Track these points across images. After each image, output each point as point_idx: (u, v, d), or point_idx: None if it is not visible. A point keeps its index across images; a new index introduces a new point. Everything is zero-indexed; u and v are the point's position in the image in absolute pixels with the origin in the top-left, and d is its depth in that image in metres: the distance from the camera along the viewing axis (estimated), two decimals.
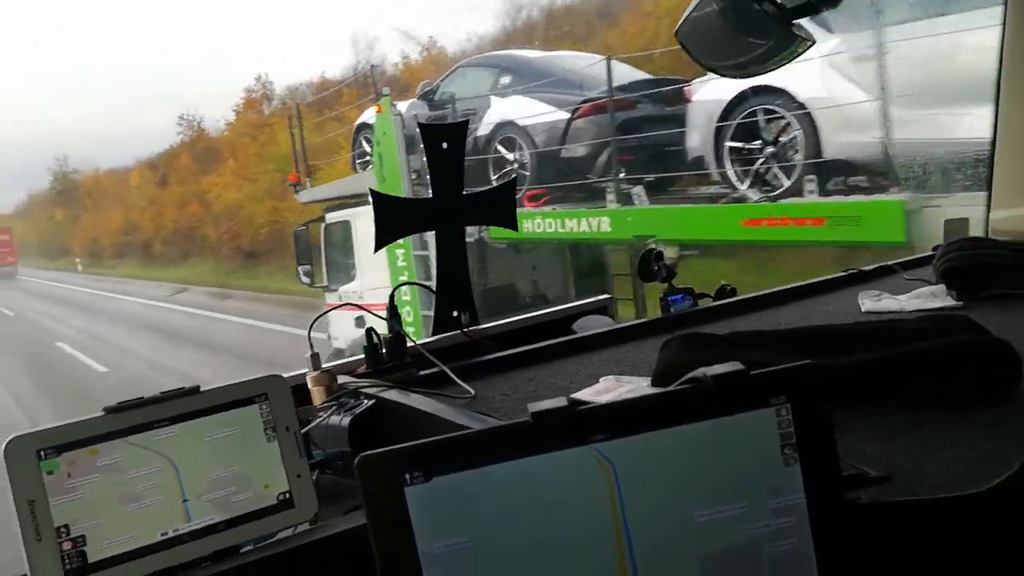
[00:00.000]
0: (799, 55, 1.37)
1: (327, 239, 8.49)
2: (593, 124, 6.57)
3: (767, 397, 0.58)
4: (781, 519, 0.59)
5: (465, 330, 1.40)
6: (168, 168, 38.46)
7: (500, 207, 1.43)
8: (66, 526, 0.76)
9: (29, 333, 16.98)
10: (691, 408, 0.58)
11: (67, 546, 0.76)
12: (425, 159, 1.31)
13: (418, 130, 1.40)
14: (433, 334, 1.43)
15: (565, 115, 6.67)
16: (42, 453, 0.77)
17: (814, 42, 1.37)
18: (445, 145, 1.31)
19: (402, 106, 7.91)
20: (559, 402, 0.57)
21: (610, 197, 6.41)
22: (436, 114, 7.75)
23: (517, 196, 6.52)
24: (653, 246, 1.90)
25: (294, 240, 8.39)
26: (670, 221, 6.01)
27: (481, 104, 7.52)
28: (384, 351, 1.26)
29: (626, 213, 6.25)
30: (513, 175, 6.77)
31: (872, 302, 1.55)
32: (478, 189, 1.41)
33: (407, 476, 0.58)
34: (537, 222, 6.80)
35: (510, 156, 7.05)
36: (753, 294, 1.80)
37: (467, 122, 1.36)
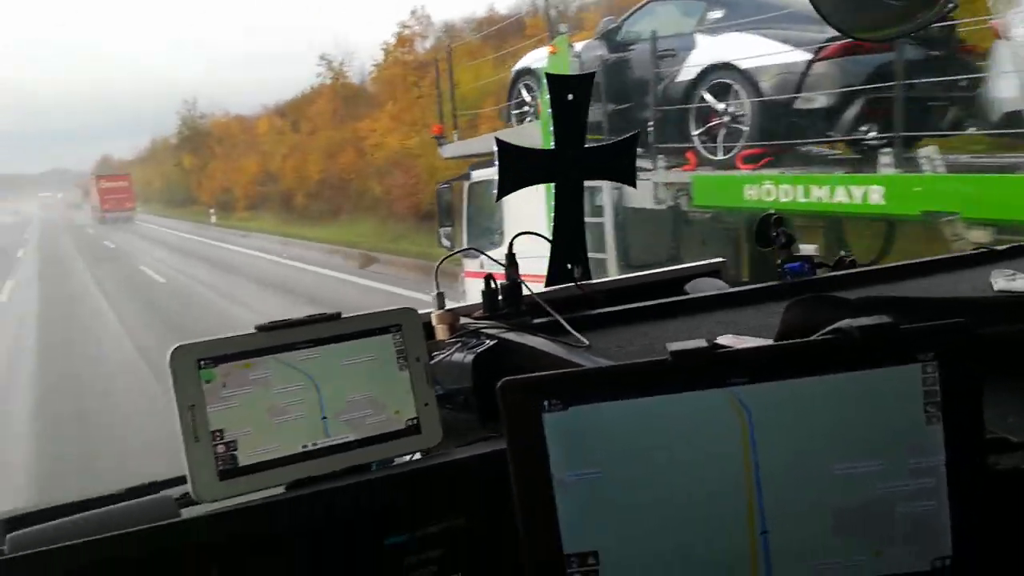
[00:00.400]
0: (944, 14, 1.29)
1: (470, 199, 7.43)
2: (840, 68, 5.20)
3: (914, 353, 0.57)
4: (919, 480, 0.59)
5: (578, 283, 1.42)
6: (299, 115, 34.67)
7: (620, 162, 1.43)
8: (220, 431, 0.83)
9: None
10: (834, 358, 0.58)
11: (221, 449, 0.83)
12: (550, 110, 1.32)
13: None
14: (546, 286, 1.45)
15: (803, 56, 5.30)
16: (201, 363, 0.84)
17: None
18: (571, 96, 1.32)
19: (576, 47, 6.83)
20: (699, 343, 0.58)
21: (885, 160, 4.93)
22: (618, 56, 6.75)
23: (730, 154, 5.68)
24: (772, 211, 1.85)
25: (436, 199, 7.50)
26: (983, 194, 4.36)
27: (681, 44, 6.23)
28: (500, 298, 1.29)
29: (911, 181, 4.72)
30: (724, 126, 5.74)
31: (1005, 281, 1.46)
32: (599, 143, 1.41)
33: (546, 403, 0.60)
34: (766, 188, 5.29)
35: (720, 106, 5.76)
36: (875, 266, 1.74)
37: (593, 74, 1.36)
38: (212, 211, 37.58)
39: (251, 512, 0.76)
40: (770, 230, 1.84)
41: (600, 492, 0.61)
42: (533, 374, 0.61)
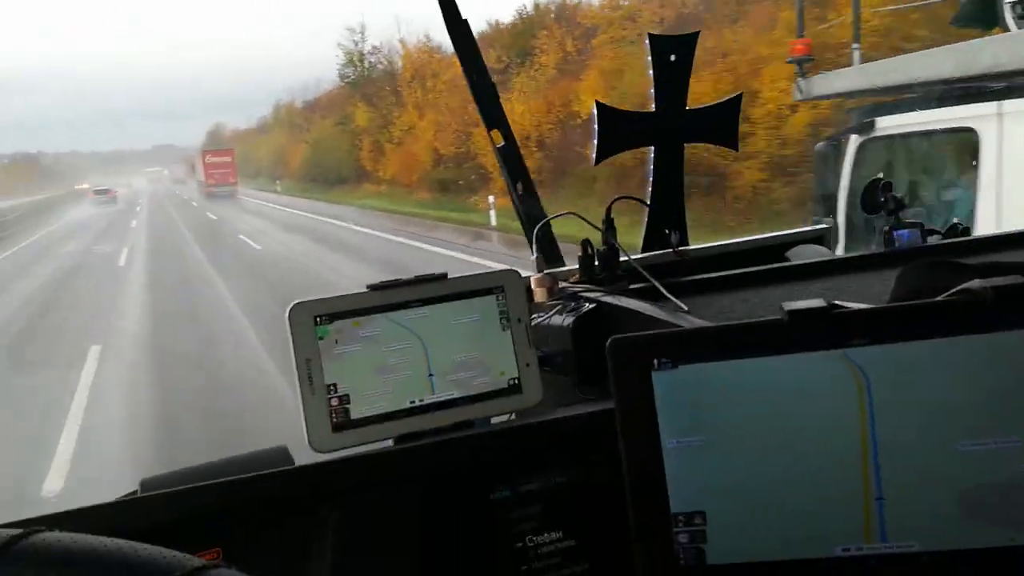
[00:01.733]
0: None
1: (861, 160, 4.35)
2: None
3: None
4: None
5: (676, 248, 1.40)
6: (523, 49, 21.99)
7: (723, 125, 1.39)
8: (334, 384, 0.87)
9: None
10: (964, 320, 0.55)
11: (334, 402, 0.87)
12: (651, 71, 1.29)
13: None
14: (642, 251, 1.44)
15: None
16: (318, 319, 0.88)
17: None
18: (673, 57, 1.29)
19: None
20: (818, 302, 0.57)
21: None
22: None
23: None
24: (880, 175, 1.77)
25: (815, 162, 5.06)
26: None
27: None
28: (597, 263, 1.29)
29: None
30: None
31: None
32: (702, 105, 1.38)
33: (656, 361, 0.61)
34: None
35: None
36: (990, 234, 1.64)
37: (698, 33, 1.32)
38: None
39: (366, 460, 0.80)
40: (878, 195, 1.76)
41: (709, 452, 0.61)
42: (643, 333, 0.61)
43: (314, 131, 42.00)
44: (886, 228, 1.68)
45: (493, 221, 16.44)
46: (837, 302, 0.58)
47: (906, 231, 1.67)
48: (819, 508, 0.59)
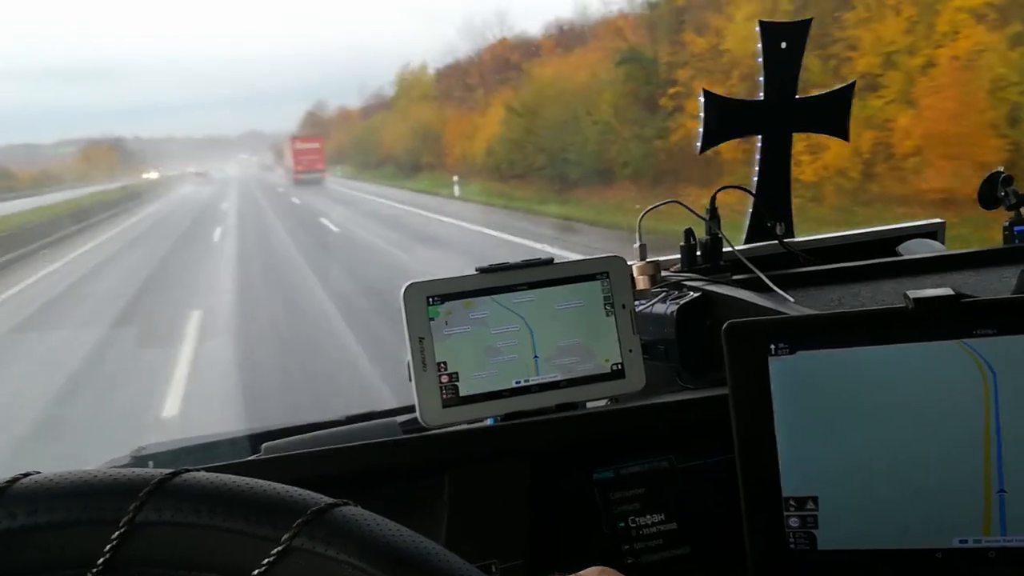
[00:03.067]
0: None
1: None
2: None
3: None
4: None
5: (782, 240, 1.37)
6: None
7: (833, 114, 1.35)
8: (444, 362, 0.91)
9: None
10: None
11: (444, 379, 0.91)
12: (760, 59, 1.27)
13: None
14: (746, 242, 1.42)
15: None
16: (430, 299, 0.92)
17: None
18: (784, 45, 1.27)
19: None
20: (944, 291, 0.56)
21: None
22: None
23: None
24: (1001, 169, 1.69)
25: None
26: None
27: None
28: (699, 253, 1.29)
29: None
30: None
31: None
32: (813, 94, 1.34)
33: (772, 347, 0.61)
34: None
35: None
36: None
37: (809, 21, 1.29)
38: None
39: (476, 433, 0.84)
40: (997, 190, 1.68)
41: (824, 438, 0.61)
42: (761, 318, 0.61)
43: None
44: (1006, 223, 1.59)
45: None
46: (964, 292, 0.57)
47: None
48: (937, 499, 0.58)
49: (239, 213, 23.53)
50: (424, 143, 32.56)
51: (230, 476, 0.43)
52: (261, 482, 0.43)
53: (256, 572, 0.39)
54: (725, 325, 0.62)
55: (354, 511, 0.42)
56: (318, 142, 46.75)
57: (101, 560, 0.39)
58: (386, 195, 25.69)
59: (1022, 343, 0.56)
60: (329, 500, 0.42)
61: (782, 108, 1.31)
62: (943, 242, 1.61)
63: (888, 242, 1.53)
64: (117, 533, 0.39)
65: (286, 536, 0.39)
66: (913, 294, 0.57)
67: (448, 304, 0.92)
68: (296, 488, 0.43)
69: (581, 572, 0.38)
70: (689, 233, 1.27)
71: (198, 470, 0.44)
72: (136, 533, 0.39)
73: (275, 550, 0.39)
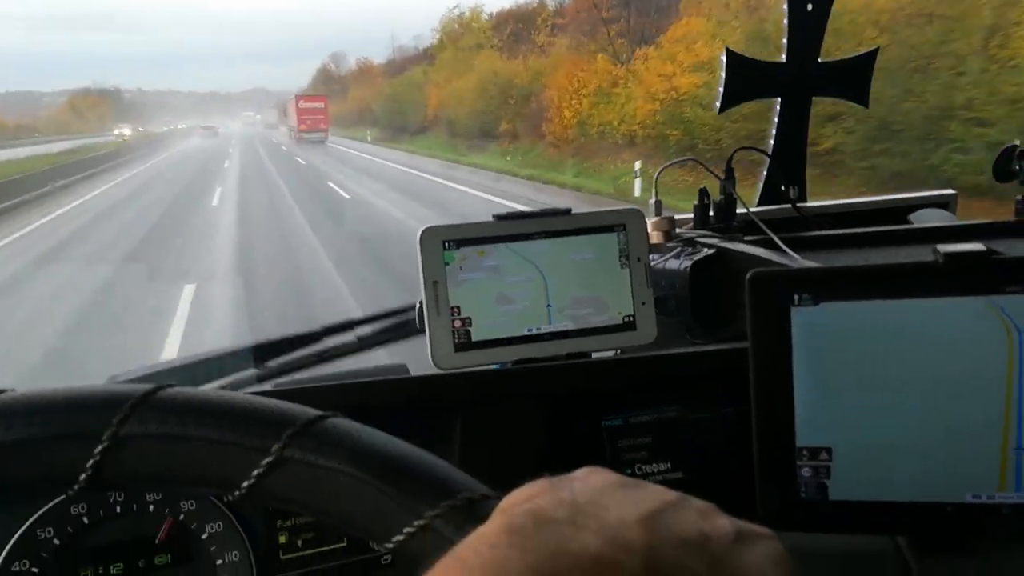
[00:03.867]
0: None
1: None
2: None
3: None
4: None
5: (795, 203, 1.37)
6: None
7: (855, 80, 1.34)
8: (457, 307, 0.91)
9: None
10: None
11: (457, 324, 0.91)
12: (786, 20, 1.25)
13: None
14: (759, 204, 1.42)
15: None
16: (445, 244, 0.91)
17: None
18: (810, 6, 1.25)
19: None
20: (976, 245, 0.56)
21: None
22: None
23: None
24: (1016, 142, 1.68)
25: None
26: None
27: None
28: (712, 213, 1.28)
29: None
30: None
31: None
32: (835, 58, 1.33)
33: (796, 297, 0.61)
34: None
35: None
36: None
37: None
38: None
39: (488, 376, 0.84)
40: (1012, 162, 1.67)
41: (842, 390, 0.61)
42: (785, 268, 0.61)
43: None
44: (1019, 197, 1.59)
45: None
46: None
47: None
48: (953, 453, 0.59)
49: (242, 173, 23.19)
50: (503, 104, 23.54)
51: (217, 391, 0.43)
52: (250, 396, 0.43)
53: (247, 483, 0.39)
54: (750, 274, 0.62)
55: (344, 422, 0.42)
56: (322, 101, 45.81)
57: (83, 476, 0.39)
58: (458, 180, 17.55)
59: None
60: (318, 412, 0.42)
61: (803, 72, 1.29)
62: (955, 213, 1.60)
63: (900, 211, 1.52)
64: (100, 447, 0.38)
65: (276, 446, 0.39)
66: (943, 248, 0.57)
67: (463, 249, 0.92)
68: (285, 402, 0.43)
69: (572, 472, 0.38)
70: (703, 193, 1.26)
71: (181, 386, 0.43)
72: (120, 446, 0.39)
73: (266, 460, 0.39)
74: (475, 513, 0.39)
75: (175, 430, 0.40)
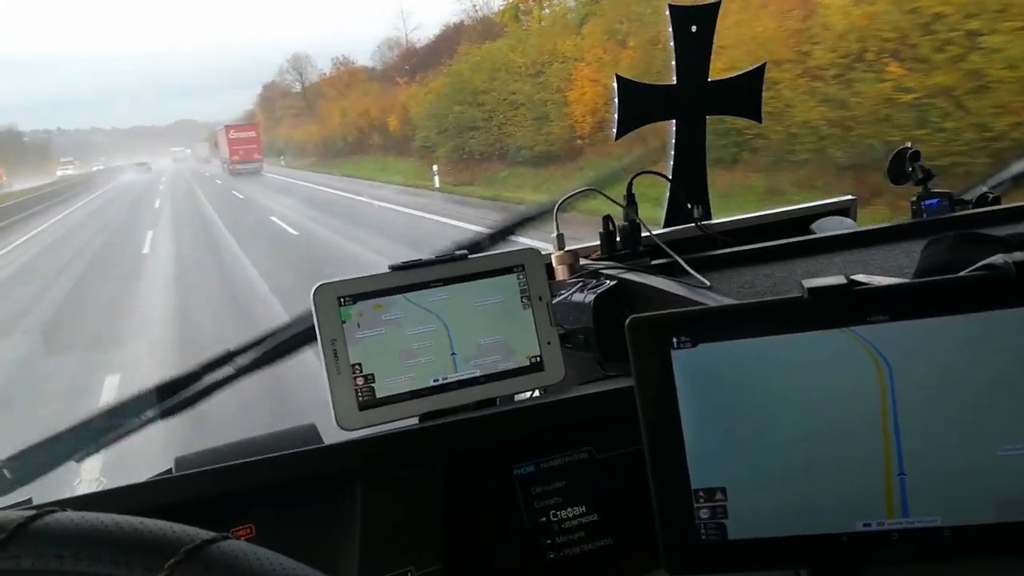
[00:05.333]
0: None
1: None
2: None
3: None
4: None
5: (698, 223, 1.39)
6: None
7: (745, 97, 1.37)
8: (359, 364, 0.89)
9: None
10: (984, 295, 0.55)
11: (360, 382, 0.89)
12: (672, 43, 1.27)
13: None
14: (664, 226, 1.43)
15: None
16: (341, 300, 0.89)
17: None
18: (695, 28, 1.27)
19: None
20: (838, 279, 0.57)
21: None
22: None
23: None
24: (909, 145, 1.74)
25: None
26: None
27: None
28: (619, 239, 1.29)
29: None
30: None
31: None
32: (723, 77, 1.36)
33: (675, 340, 0.61)
34: None
35: None
36: (1022, 203, 1.60)
37: (719, 3, 1.30)
38: None
39: (392, 438, 0.82)
40: (905, 164, 1.73)
41: (729, 429, 0.61)
42: (662, 311, 0.61)
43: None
44: (914, 198, 1.65)
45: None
46: (857, 278, 0.58)
47: (935, 201, 1.64)
48: (840, 483, 0.59)
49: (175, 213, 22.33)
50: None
51: (98, 515, 0.40)
52: (132, 519, 0.40)
53: None
54: (627, 321, 0.61)
55: (232, 545, 0.40)
56: (253, 130, 44.31)
57: None
58: None
59: (914, 327, 0.57)
60: (205, 536, 0.40)
61: (694, 92, 1.31)
62: (855, 219, 1.65)
63: (803, 220, 1.56)
64: None
65: None
66: (808, 283, 0.57)
67: (360, 304, 0.90)
68: (171, 524, 0.41)
69: None
70: (608, 220, 1.27)
71: (64, 509, 0.41)
72: None
73: None
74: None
75: (51, 565, 0.38)
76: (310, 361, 1.07)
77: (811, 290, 0.57)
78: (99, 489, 0.76)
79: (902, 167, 1.71)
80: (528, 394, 1.01)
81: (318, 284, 0.89)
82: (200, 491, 0.76)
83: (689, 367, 0.61)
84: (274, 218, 16.95)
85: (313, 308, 0.88)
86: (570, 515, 0.85)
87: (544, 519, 0.84)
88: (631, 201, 1.26)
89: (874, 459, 0.58)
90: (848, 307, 0.57)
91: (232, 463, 0.78)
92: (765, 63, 1.40)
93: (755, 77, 1.38)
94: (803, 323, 0.58)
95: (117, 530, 0.39)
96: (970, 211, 1.60)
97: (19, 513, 0.39)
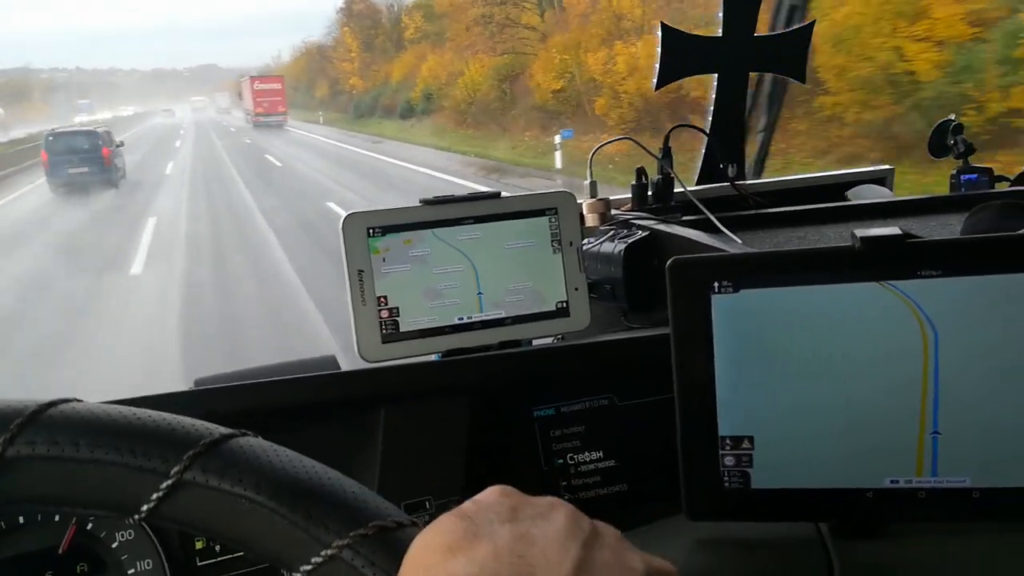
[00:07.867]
0: None
1: None
2: None
3: None
4: None
5: (733, 182, 1.36)
6: None
7: (791, 54, 1.33)
8: (384, 297, 0.88)
9: None
10: None
11: (384, 314, 0.88)
12: None
13: None
14: (698, 183, 1.41)
15: None
16: (370, 231, 0.88)
17: None
18: None
19: None
20: (892, 230, 0.55)
21: None
22: None
23: None
24: (952, 117, 1.70)
25: None
26: None
27: None
28: (651, 193, 1.27)
29: None
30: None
31: None
32: (772, 32, 1.31)
33: (716, 284, 0.59)
34: None
35: None
36: None
37: None
38: None
39: (414, 369, 0.81)
40: (947, 137, 1.69)
41: (763, 378, 0.60)
42: (705, 255, 0.60)
43: None
44: (954, 172, 1.61)
45: None
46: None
47: (974, 175, 1.61)
48: (871, 439, 0.58)
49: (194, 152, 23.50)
50: None
51: (116, 407, 0.40)
52: (150, 412, 0.40)
53: (145, 508, 0.36)
54: (669, 262, 0.60)
55: (251, 442, 0.39)
56: (279, 82, 43.94)
57: None
58: None
59: (965, 285, 0.55)
60: (225, 431, 0.39)
61: (739, 46, 1.28)
62: (891, 188, 1.62)
63: (838, 187, 1.53)
64: None
65: (176, 469, 0.37)
66: (860, 232, 0.56)
67: (389, 238, 0.89)
68: (189, 419, 0.40)
69: (480, 494, 0.37)
70: (641, 172, 1.25)
71: (80, 401, 0.40)
72: (7, 470, 0.36)
73: (164, 484, 0.37)
74: (387, 541, 0.37)
75: (67, 451, 0.37)
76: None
77: (864, 239, 0.55)
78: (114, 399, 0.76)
79: (943, 139, 1.67)
80: (548, 341, 1.00)
81: (347, 213, 0.88)
82: (217, 408, 0.76)
83: (729, 313, 0.59)
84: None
85: (341, 237, 0.87)
86: (587, 459, 0.85)
87: (561, 461, 0.84)
88: (667, 154, 1.23)
89: (909, 416, 0.57)
90: (900, 259, 0.55)
91: (251, 381, 0.78)
92: (814, 20, 1.36)
93: (803, 35, 1.34)
94: (851, 274, 0.56)
95: (137, 421, 0.39)
96: (1008, 189, 1.57)
97: (33, 401, 0.39)
